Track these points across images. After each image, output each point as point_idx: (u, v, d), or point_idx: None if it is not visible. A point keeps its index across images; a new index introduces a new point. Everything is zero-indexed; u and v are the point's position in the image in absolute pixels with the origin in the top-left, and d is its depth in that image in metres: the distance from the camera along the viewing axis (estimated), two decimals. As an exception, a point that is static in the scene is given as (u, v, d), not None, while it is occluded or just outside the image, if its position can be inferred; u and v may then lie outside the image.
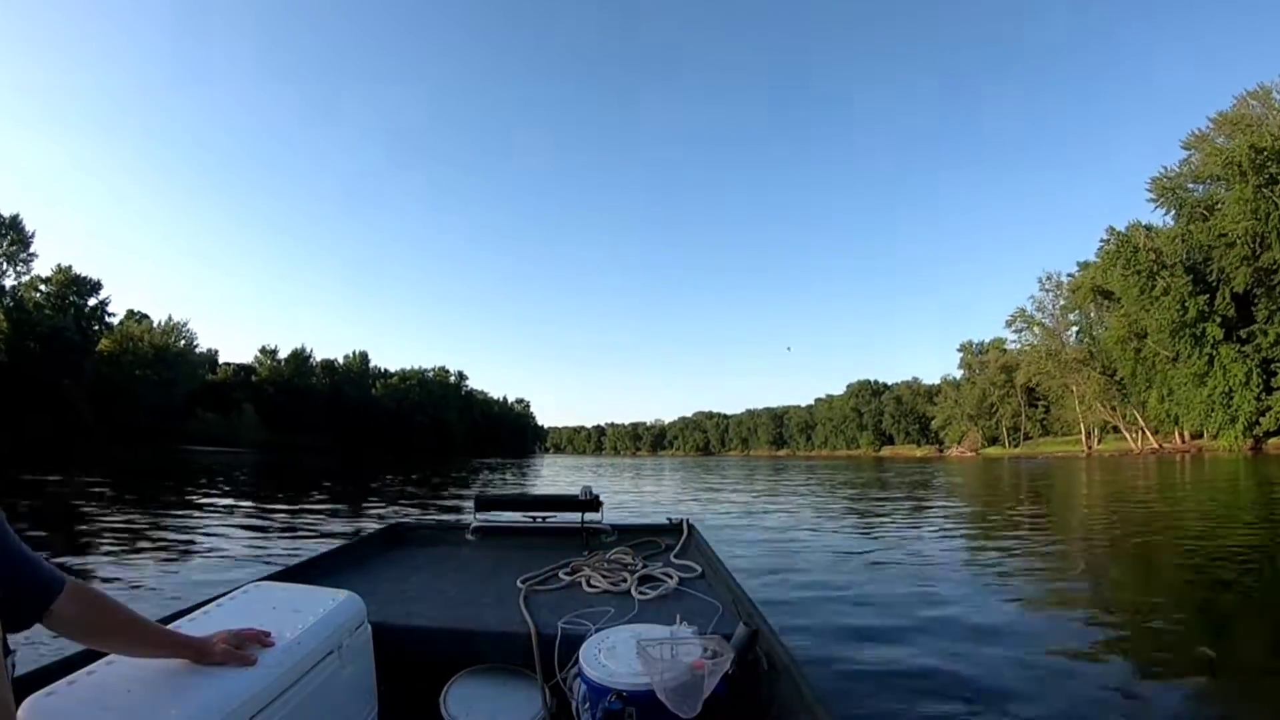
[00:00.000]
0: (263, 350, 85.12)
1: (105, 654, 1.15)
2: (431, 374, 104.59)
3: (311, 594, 1.60)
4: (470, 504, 3.56)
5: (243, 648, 1.21)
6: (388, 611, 2.02)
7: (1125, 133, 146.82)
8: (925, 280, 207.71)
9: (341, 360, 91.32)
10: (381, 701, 1.63)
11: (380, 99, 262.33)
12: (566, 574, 2.56)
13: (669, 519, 3.59)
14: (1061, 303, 61.89)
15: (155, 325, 62.42)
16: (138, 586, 4.73)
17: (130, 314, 62.81)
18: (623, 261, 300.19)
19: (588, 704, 1.51)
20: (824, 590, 4.81)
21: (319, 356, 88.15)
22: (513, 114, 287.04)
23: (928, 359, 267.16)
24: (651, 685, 1.38)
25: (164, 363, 58.79)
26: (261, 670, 1.19)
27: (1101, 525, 9.66)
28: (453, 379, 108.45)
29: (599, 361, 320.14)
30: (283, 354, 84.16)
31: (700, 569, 2.67)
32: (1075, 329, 62.14)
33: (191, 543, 6.88)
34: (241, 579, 1.96)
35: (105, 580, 4.83)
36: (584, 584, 2.45)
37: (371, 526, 6.12)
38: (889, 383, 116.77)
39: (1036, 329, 65.24)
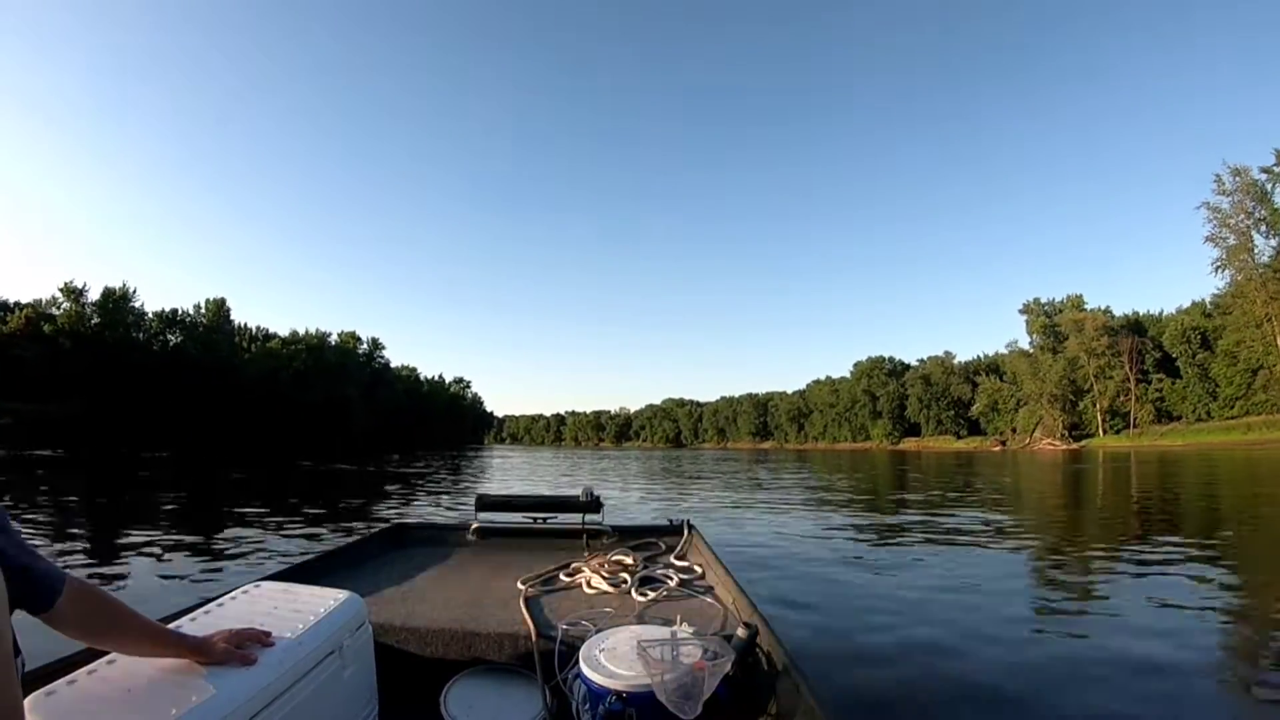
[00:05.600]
0: (65, 288, 58.11)
1: (106, 653, 1.13)
2: (335, 339, 78.70)
3: (312, 594, 1.57)
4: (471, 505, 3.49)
5: (243, 647, 1.19)
6: (388, 612, 2.05)
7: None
8: (927, 252, 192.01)
9: (193, 310, 65.02)
10: (382, 702, 1.61)
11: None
12: (567, 575, 2.58)
13: (669, 520, 3.55)
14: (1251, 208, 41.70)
15: None
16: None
17: None
18: (584, 237, 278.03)
19: (588, 705, 1.49)
20: (827, 592, 4.59)
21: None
22: (466, 77, 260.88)
23: (938, 337, 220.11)
24: (652, 686, 1.37)
25: None
26: (262, 670, 1.17)
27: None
28: (364, 347, 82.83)
29: (562, 345, 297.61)
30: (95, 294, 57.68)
31: (701, 570, 2.68)
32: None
33: None
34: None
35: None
36: (584, 585, 2.45)
37: None
38: (909, 361, 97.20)
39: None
